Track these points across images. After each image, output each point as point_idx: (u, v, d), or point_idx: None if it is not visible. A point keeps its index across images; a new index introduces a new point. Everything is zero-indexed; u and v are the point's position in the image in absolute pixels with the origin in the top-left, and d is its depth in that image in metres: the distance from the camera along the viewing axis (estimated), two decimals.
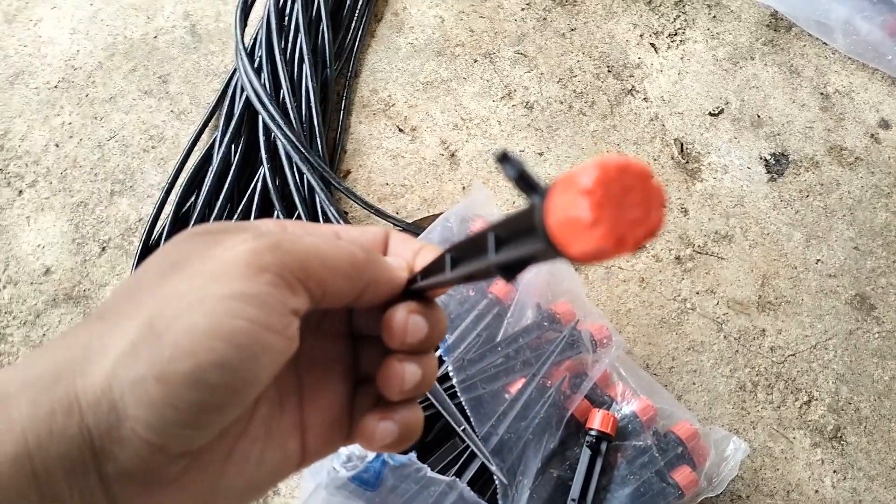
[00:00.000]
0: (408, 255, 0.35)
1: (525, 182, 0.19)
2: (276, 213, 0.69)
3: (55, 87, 0.78)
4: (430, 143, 0.73)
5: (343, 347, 0.36)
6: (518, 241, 0.21)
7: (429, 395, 0.57)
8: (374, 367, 0.34)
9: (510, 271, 0.22)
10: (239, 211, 0.70)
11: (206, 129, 0.75)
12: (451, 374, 0.56)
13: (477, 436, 0.54)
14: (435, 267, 0.31)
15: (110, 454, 0.25)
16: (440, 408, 0.56)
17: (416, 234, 0.65)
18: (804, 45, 0.75)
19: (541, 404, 0.56)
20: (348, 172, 0.73)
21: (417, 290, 0.34)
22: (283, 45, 0.74)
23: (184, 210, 0.71)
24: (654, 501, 0.54)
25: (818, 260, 0.67)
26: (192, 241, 0.29)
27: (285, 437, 0.31)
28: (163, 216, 0.71)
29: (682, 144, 0.72)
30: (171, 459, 0.26)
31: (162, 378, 0.24)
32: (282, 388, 0.32)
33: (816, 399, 0.62)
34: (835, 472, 0.60)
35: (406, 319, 0.33)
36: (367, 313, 0.35)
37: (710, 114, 0.74)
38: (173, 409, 0.25)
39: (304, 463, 0.32)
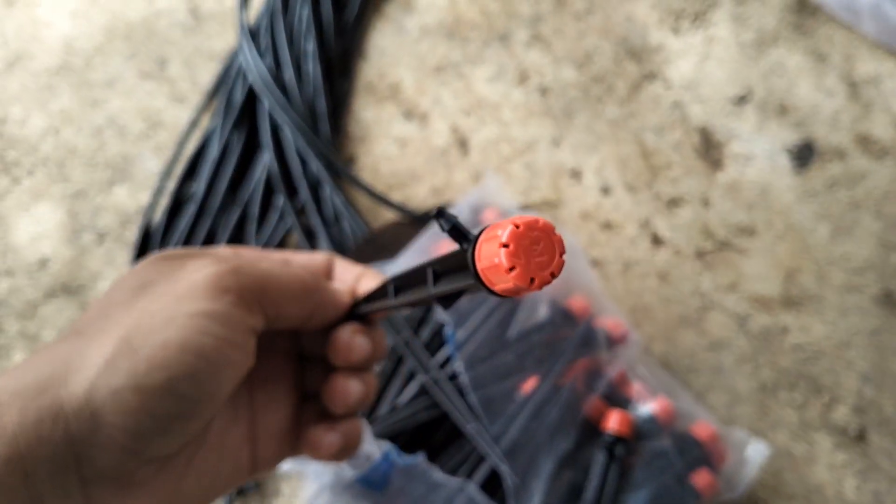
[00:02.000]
0: (350, 280, 0.39)
1: (458, 233, 0.25)
2: (281, 200, 0.67)
3: (54, 72, 0.76)
4: (439, 130, 0.70)
5: (291, 366, 0.39)
6: (452, 277, 0.26)
7: (436, 393, 0.55)
8: (318, 384, 0.38)
9: (446, 300, 0.28)
10: (238, 198, 0.68)
11: (206, 114, 0.72)
12: (460, 371, 0.54)
13: (488, 434, 0.52)
14: (379, 293, 0.35)
15: (90, 458, 0.27)
16: (447, 405, 0.54)
17: (426, 223, 0.62)
18: (831, 31, 0.72)
19: (554, 404, 0.54)
20: (353, 159, 0.70)
21: (360, 313, 0.37)
22: (286, 27, 0.71)
23: (182, 198, 0.69)
24: None
25: (843, 255, 0.64)
26: (158, 264, 0.32)
27: (238, 448, 0.35)
28: (161, 205, 0.69)
29: (705, 134, 0.69)
30: (144, 463, 0.29)
31: (139, 389, 0.27)
32: (236, 402, 0.35)
33: (839, 399, 0.60)
34: (857, 474, 0.58)
35: (350, 339, 0.37)
36: (313, 334, 0.39)
37: (734, 101, 0.71)
38: (149, 417, 0.27)
39: (254, 472, 0.36)
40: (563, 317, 0.56)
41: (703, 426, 0.54)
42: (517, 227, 0.22)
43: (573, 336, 0.55)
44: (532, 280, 0.22)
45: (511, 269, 0.21)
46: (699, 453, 0.53)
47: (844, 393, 0.60)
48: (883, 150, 0.67)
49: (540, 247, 0.22)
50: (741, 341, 0.61)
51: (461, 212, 0.60)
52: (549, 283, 0.22)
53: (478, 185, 0.64)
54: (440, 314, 0.57)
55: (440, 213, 0.25)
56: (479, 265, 0.23)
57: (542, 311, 0.56)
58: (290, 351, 0.39)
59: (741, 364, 0.61)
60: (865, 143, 0.68)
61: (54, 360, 0.28)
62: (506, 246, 0.22)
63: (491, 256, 0.22)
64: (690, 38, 0.73)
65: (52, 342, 0.30)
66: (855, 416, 0.59)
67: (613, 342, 0.56)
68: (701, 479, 0.52)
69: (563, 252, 0.23)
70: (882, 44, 0.72)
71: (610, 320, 0.57)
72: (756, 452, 0.54)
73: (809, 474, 0.57)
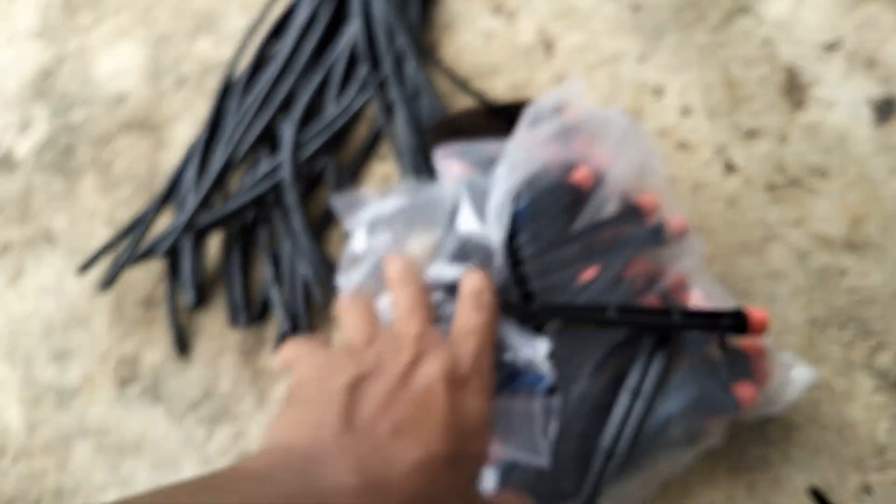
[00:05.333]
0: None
1: None
2: (364, 71, 0.67)
3: None
4: (526, 29, 0.70)
5: None
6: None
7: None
8: None
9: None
10: (322, 63, 0.68)
11: None
12: (521, 257, 0.54)
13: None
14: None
15: None
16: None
17: (505, 115, 0.62)
18: None
19: (611, 295, 0.54)
20: (436, 46, 0.70)
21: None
22: None
23: (265, 57, 0.69)
24: (709, 410, 0.53)
25: None
26: None
27: None
28: (243, 61, 0.70)
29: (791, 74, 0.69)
30: None
31: None
32: None
33: (886, 346, 0.60)
34: (891, 417, 0.59)
35: None
36: None
37: (824, 47, 0.70)
38: None
39: None
40: (632, 212, 0.56)
41: (753, 342, 0.54)
42: None
43: (639, 231, 0.55)
44: None
45: None
46: (745, 366, 0.54)
47: (892, 340, 0.60)
48: None
49: None
50: (799, 275, 0.62)
51: (544, 107, 0.60)
52: None
53: (561, 85, 0.64)
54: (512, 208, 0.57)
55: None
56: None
57: (611, 206, 0.56)
58: None
59: (796, 296, 0.61)
60: None
61: None
62: None
63: None
64: None
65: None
66: None
67: (676, 240, 0.56)
68: (743, 391, 0.52)
69: None
70: None
71: (676, 219, 0.56)
72: (801, 375, 0.54)
73: (846, 410, 0.58)
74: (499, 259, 0.55)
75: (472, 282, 0.48)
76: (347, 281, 0.54)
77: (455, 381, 0.41)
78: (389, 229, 0.56)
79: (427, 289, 0.49)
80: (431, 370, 0.41)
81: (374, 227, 0.55)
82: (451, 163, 0.58)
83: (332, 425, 0.38)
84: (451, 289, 0.52)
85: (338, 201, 0.56)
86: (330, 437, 0.37)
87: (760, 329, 0.49)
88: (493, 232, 0.54)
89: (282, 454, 0.37)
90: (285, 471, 0.35)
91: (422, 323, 0.44)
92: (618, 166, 0.54)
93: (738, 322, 0.48)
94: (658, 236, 0.55)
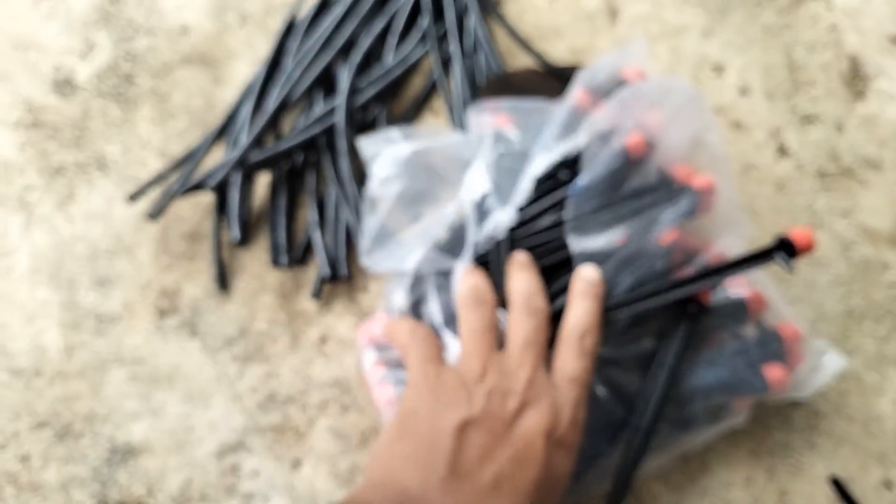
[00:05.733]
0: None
1: None
2: (426, 21, 0.67)
3: None
4: None
5: None
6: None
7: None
8: None
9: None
10: (386, 10, 0.68)
11: None
12: (567, 217, 0.54)
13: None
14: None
15: None
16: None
17: (561, 77, 0.62)
18: None
19: (645, 261, 0.53)
20: (499, 2, 0.70)
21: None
22: None
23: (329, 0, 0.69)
24: (737, 389, 0.53)
25: None
26: None
27: None
28: (307, 2, 0.70)
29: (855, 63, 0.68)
30: None
31: None
32: None
33: None
34: None
35: None
36: None
37: (891, 39, 0.69)
38: None
39: None
40: (667, 182, 0.55)
41: (789, 326, 0.54)
42: None
43: (681, 201, 0.54)
44: None
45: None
46: (778, 349, 0.54)
47: None
48: None
49: None
50: (840, 265, 0.62)
51: (601, 68, 0.60)
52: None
53: (622, 46, 0.63)
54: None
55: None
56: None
57: (652, 175, 0.56)
58: None
59: (835, 286, 0.61)
60: None
61: None
62: None
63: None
64: None
65: None
66: None
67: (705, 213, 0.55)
68: (773, 372, 0.53)
69: None
70: None
71: (702, 179, 0.55)
72: (832, 362, 0.54)
73: (874, 403, 0.58)
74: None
75: (578, 317, 0.48)
76: (367, 230, 0.54)
77: (554, 440, 0.43)
78: (404, 173, 0.55)
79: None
80: (535, 425, 0.42)
81: (389, 171, 0.55)
82: (483, 116, 0.58)
83: (439, 469, 0.40)
84: (445, 275, 0.53)
85: (365, 144, 0.56)
86: (437, 482, 0.40)
87: (808, 247, 0.48)
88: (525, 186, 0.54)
89: (395, 494, 0.40)
90: None
91: (533, 366, 0.45)
92: (672, 136, 0.54)
93: (786, 247, 0.47)
94: (689, 208, 0.54)
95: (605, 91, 0.56)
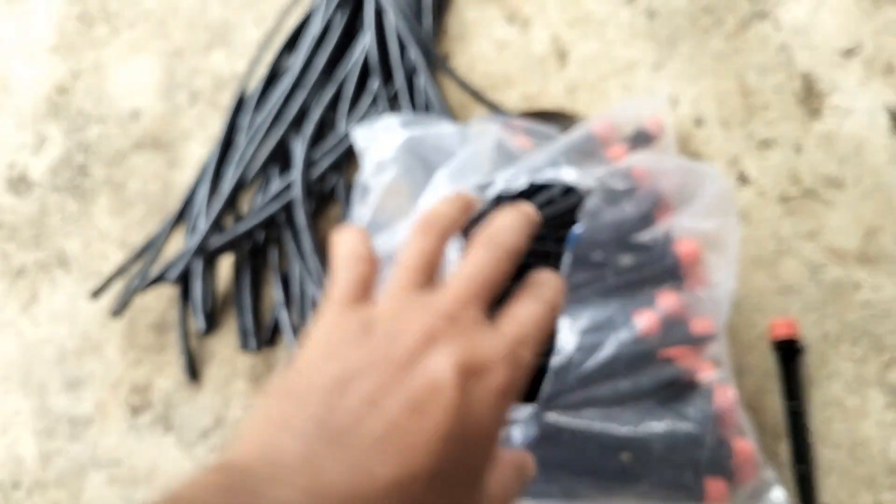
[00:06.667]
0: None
1: None
2: (376, 84, 0.67)
3: None
4: (540, 38, 0.70)
5: None
6: None
7: None
8: None
9: None
10: (335, 77, 0.68)
11: None
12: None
13: None
14: None
15: None
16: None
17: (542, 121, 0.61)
18: None
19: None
20: (449, 57, 0.70)
21: None
22: None
23: (278, 70, 0.69)
24: (674, 487, 0.51)
25: None
26: None
27: None
28: (257, 75, 0.70)
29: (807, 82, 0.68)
30: None
31: None
32: None
33: None
34: None
35: None
36: None
37: (842, 53, 0.69)
38: None
39: None
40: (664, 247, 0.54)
41: (746, 444, 0.52)
42: None
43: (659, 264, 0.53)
44: None
45: None
46: (727, 464, 0.51)
47: None
48: None
49: None
50: (812, 290, 0.62)
51: (623, 111, 0.59)
52: None
53: (644, 97, 0.62)
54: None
55: None
56: None
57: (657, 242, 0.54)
58: None
59: (808, 312, 0.61)
60: None
61: None
62: None
63: None
64: None
65: None
66: None
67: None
68: (715, 488, 0.49)
69: None
70: None
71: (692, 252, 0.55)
72: (776, 499, 0.52)
73: (858, 428, 0.58)
74: None
75: (547, 272, 0.38)
76: (358, 219, 0.53)
77: (473, 375, 0.31)
78: (395, 163, 0.54)
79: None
80: (443, 361, 0.31)
81: (382, 156, 0.54)
82: (492, 125, 0.56)
83: (300, 432, 0.30)
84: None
85: (359, 133, 0.55)
86: (293, 449, 0.30)
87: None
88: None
89: (228, 477, 0.29)
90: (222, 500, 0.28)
91: (462, 302, 0.34)
92: (690, 226, 0.53)
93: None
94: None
95: (623, 133, 0.56)
